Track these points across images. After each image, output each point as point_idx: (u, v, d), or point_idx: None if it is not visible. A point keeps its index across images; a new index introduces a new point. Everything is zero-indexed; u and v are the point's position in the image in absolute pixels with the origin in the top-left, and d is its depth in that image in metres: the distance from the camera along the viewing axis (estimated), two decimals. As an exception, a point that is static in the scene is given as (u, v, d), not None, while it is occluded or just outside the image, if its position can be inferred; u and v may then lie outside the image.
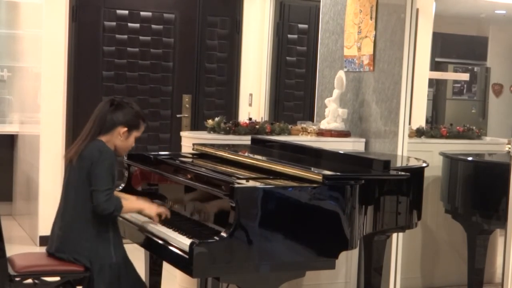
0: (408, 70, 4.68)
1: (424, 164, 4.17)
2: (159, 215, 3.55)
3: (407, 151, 4.72)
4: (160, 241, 3.34)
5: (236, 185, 3.09)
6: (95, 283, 3.36)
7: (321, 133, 4.98)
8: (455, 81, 10.25)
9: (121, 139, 3.50)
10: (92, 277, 3.36)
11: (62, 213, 3.47)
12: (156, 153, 4.34)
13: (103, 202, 3.34)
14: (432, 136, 5.43)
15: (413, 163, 4.33)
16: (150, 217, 3.57)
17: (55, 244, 3.45)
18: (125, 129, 3.49)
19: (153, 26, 6.63)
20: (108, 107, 3.50)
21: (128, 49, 6.56)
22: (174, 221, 3.52)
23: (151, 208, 3.57)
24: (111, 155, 3.42)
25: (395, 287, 4.73)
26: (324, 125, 5.01)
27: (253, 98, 6.88)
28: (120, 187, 4.15)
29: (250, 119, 5.08)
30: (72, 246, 3.39)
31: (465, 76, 9.92)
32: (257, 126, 4.84)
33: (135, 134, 3.55)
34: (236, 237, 3.02)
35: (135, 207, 3.58)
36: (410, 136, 4.98)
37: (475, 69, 10.45)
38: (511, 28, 10.11)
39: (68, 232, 3.41)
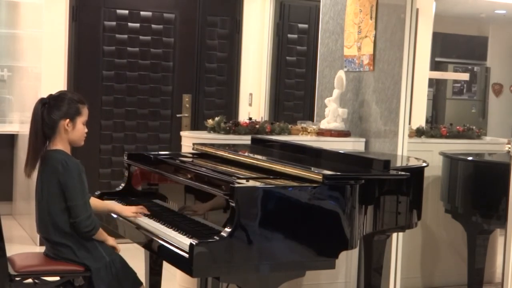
0: (408, 70, 4.68)
1: (424, 164, 4.17)
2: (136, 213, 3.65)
3: (407, 151, 4.72)
4: (160, 241, 3.34)
5: (236, 185, 3.09)
6: (95, 285, 3.36)
7: (321, 133, 4.98)
8: (455, 81, 10.25)
9: (69, 131, 3.40)
10: (92, 278, 3.37)
11: (41, 227, 3.45)
12: (156, 153, 4.35)
13: (85, 219, 3.32)
14: (432, 136, 5.43)
15: (413, 163, 4.33)
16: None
17: (49, 254, 3.45)
18: (67, 120, 3.40)
19: (153, 26, 6.62)
20: (41, 108, 3.40)
21: (128, 49, 6.56)
22: (174, 221, 3.52)
23: (110, 240, 3.50)
24: (75, 164, 3.36)
25: (395, 287, 4.73)
26: (324, 125, 5.01)
27: (253, 98, 6.88)
28: (120, 187, 4.16)
29: (250, 119, 5.08)
30: (64, 256, 3.39)
31: (465, 76, 9.92)
32: (257, 126, 4.84)
33: (81, 120, 3.44)
34: (236, 237, 3.02)
35: (102, 238, 3.48)
36: (410, 136, 4.98)
37: (475, 69, 10.45)
38: (511, 28, 10.11)
39: (54, 246, 3.40)
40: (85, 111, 3.48)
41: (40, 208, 3.44)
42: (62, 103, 3.41)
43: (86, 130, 3.50)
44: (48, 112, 3.39)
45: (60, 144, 3.41)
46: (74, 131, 3.43)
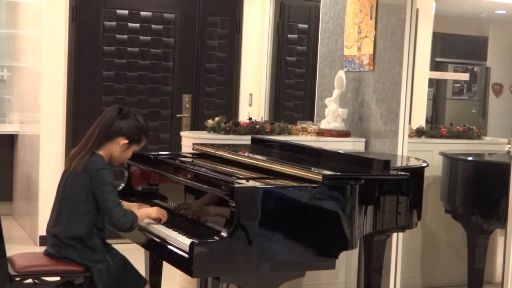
0: (408, 70, 4.68)
1: (424, 164, 4.17)
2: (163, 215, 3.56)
3: (407, 151, 4.73)
4: (160, 241, 3.34)
5: (236, 185, 3.09)
6: (96, 284, 3.36)
7: (321, 133, 4.98)
8: (455, 81, 10.25)
9: (119, 150, 3.44)
10: (93, 278, 3.36)
11: (56, 221, 3.43)
12: (156, 153, 4.34)
13: (121, 217, 3.33)
14: (432, 136, 5.43)
15: (413, 163, 4.33)
16: (156, 219, 3.55)
17: (51, 251, 3.44)
18: (126, 141, 3.43)
19: (153, 26, 6.62)
20: (116, 114, 3.44)
21: (128, 49, 6.56)
22: (174, 221, 3.52)
23: (155, 210, 3.54)
24: (108, 170, 3.37)
25: (395, 287, 4.73)
26: (324, 125, 5.01)
27: (253, 98, 6.88)
28: (120, 187, 4.15)
29: (250, 119, 5.08)
30: (67, 256, 3.38)
31: (465, 76, 9.92)
32: (257, 126, 4.84)
33: (135, 148, 3.50)
34: (236, 237, 3.02)
35: (145, 215, 3.52)
36: (410, 136, 4.98)
37: (475, 69, 10.44)
38: (511, 28, 10.11)
39: (60, 244, 3.39)
40: (142, 144, 3.53)
41: (60, 205, 3.43)
42: (133, 124, 3.46)
43: (129, 157, 3.56)
44: (118, 121, 3.42)
45: (102, 152, 3.42)
46: (122, 153, 3.47)
